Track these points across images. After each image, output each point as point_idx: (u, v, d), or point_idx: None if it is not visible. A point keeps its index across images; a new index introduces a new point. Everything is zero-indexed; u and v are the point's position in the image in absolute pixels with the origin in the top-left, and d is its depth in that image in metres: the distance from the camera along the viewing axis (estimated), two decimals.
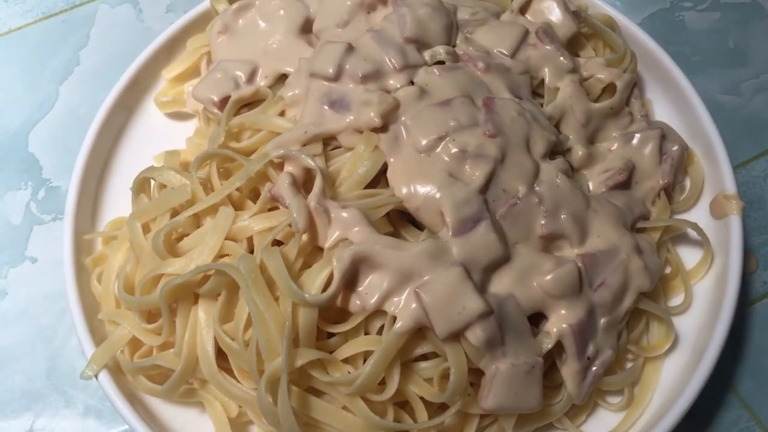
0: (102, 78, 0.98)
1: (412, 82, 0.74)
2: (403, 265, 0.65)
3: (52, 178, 0.93)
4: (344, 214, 0.66)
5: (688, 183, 0.82)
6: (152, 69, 0.88)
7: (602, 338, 0.69)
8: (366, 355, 0.65)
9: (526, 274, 0.68)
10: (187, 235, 0.72)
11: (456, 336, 0.64)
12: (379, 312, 0.65)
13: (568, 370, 0.69)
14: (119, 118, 0.86)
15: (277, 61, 0.79)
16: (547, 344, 0.67)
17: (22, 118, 0.97)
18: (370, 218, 0.67)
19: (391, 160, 0.70)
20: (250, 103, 0.79)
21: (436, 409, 0.67)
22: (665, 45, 0.98)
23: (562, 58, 0.79)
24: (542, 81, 0.79)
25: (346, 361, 0.67)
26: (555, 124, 0.77)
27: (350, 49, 0.74)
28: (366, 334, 0.66)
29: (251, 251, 0.69)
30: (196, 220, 0.72)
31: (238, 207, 0.72)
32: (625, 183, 0.77)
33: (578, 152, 0.77)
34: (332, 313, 0.67)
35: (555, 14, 0.82)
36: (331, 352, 0.67)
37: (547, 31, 0.80)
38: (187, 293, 0.69)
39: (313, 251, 0.68)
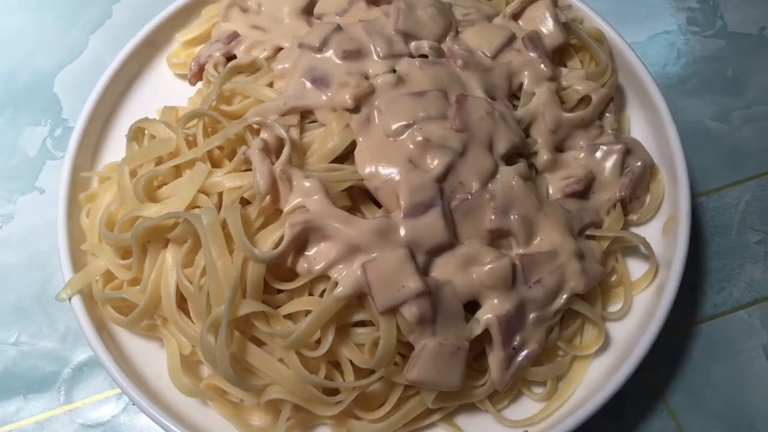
0: (130, 32, 1.03)
1: (394, 70, 0.79)
2: (351, 239, 0.70)
3: (69, 119, 1.01)
4: (306, 183, 0.72)
5: (648, 198, 0.85)
6: (169, 30, 0.94)
7: (530, 332, 0.74)
8: (307, 314, 0.71)
9: (467, 263, 0.73)
10: (166, 184, 0.78)
11: (392, 310, 0.70)
12: (324, 276, 0.71)
13: (494, 358, 0.73)
14: (132, 70, 0.93)
15: (277, 36, 0.85)
16: (476, 331, 0.72)
17: (53, 60, 1.05)
18: (331, 191, 0.72)
19: (360, 139, 0.75)
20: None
21: (367, 374, 0.73)
22: (663, 66, 1.01)
23: (542, 66, 0.83)
24: (521, 85, 0.83)
25: (288, 317, 0.72)
26: (525, 127, 0.81)
27: (339, 29, 0.80)
28: (310, 295, 0.72)
29: (221, 206, 0.75)
30: (177, 172, 0.78)
31: (216, 165, 0.78)
32: (582, 192, 0.81)
33: (543, 156, 0.81)
34: (282, 271, 0.72)
35: (545, 24, 0.86)
36: (277, 308, 0.73)
37: (533, 38, 0.84)
38: (159, 237, 0.76)
39: (275, 213, 0.74)
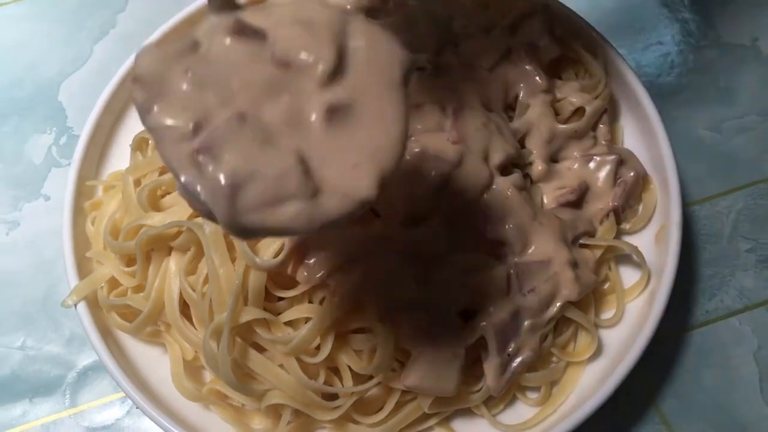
0: (134, 42, 1.06)
1: None
2: (349, 248, 0.72)
3: (74, 127, 1.03)
4: None
5: (641, 208, 0.87)
6: (174, 38, 0.96)
7: (524, 339, 0.75)
8: (307, 321, 0.73)
9: (463, 272, 0.75)
10: (170, 193, 0.80)
11: (390, 317, 0.72)
12: (324, 284, 0.73)
13: (489, 364, 0.75)
14: None
15: None
16: (471, 338, 0.74)
17: (57, 69, 1.07)
18: None
19: None
20: None
21: (366, 380, 0.75)
22: (656, 76, 1.03)
23: (537, 78, 0.85)
24: (517, 97, 0.85)
25: (289, 324, 0.74)
26: (521, 138, 0.83)
27: None
28: (310, 302, 0.74)
29: None
30: None
31: None
32: (576, 202, 0.82)
33: (538, 167, 0.83)
34: (283, 279, 0.74)
35: (541, 37, 0.88)
36: (278, 315, 0.75)
37: (528, 51, 0.86)
38: (163, 245, 0.77)
39: None
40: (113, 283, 0.81)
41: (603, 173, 0.84)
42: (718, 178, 0.98)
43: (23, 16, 1.11)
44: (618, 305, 0.82)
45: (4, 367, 0.89)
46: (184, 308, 0.78)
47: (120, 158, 0.91)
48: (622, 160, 0.85)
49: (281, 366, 0.74)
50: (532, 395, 0.80)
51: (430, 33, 0.85)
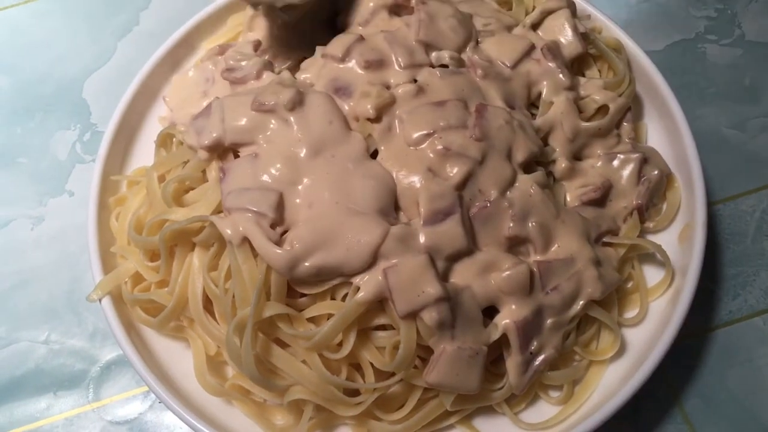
0: (156, 39, 1.06)
1: (415, 80, 0.81)
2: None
3: (98, 123, 1.04)
4: None
5: (665, 206, 0.86)
6: (195, 38, 0.97)
7: (547, 337, 0.75)
8: (329, 318, 0.73)
9: (486, 269, 0.75)
10: (193, 188, 0.81)
11: (413, 314, 0.72)
12: (346, 281, 0.73)
13: (511, 362, 0.75)
14: (160, 77, 0.95)
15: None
16: (494, 335, 0.74)
17: (81, 66, 1.08)
18: None
19: (382, 148, 0.77)
20: None
21: (388, 377, 0.75)
22: (681, 74, 1.03)
23: (561, 76, 0.84)
24: (540, 94, 0.85)
25: (311, 320, 0.74)
26: (544, 136, 0.83)
27: (361, 39, 0.82)
28: (332, 299, 0.74)
29: None
30: (203, 177, 0.81)
31: None
32: (599, 200, 0.82)
33: (561, 165, 0.83)
34: None
35: (564, 34, 0.87)
36: (300, 311, 0.75)
37: (552, 48, 0.85)
38: (186, 240, 0.78)
39: None
40: (137, 278, 0.82)
41: (627, 171, 0.83)
42: (742, 177, 0.97)
43: (48, 12, 1.12)
44: (641, 304, 0.81)
45: (29, 361, 0.90)
46: (207, 304, 0.78)
47: (144, 154, 0.92)
48: (646, 158, 0.84)
49: (303, 362, 0.74)
50: (554, 394, 0.79)
51: (453, 30, 0.85)
